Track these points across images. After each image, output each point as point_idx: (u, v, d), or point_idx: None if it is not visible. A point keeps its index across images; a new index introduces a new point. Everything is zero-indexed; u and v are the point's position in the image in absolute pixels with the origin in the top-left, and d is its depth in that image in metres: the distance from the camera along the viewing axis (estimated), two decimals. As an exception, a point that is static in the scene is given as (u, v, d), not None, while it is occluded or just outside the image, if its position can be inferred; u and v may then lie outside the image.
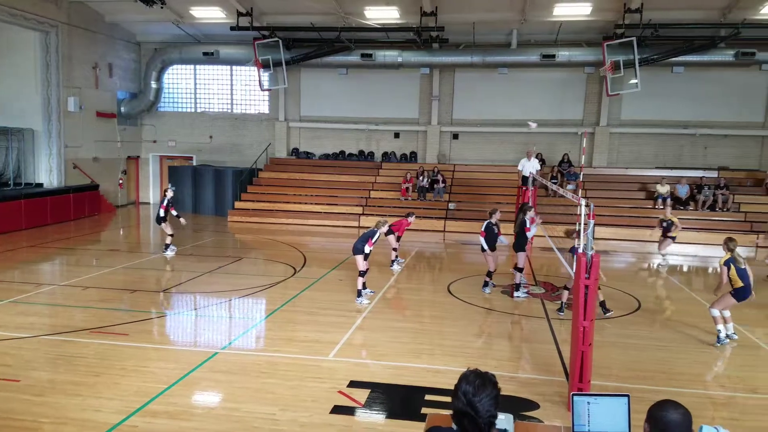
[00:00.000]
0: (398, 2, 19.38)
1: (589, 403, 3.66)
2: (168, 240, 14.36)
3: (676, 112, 21.99)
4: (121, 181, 23.95)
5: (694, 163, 22.04)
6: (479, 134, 23.49)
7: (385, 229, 10.94)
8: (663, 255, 14.80)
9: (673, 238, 14.59)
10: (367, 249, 10.29)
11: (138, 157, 25.41)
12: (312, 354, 7.65)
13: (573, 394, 3.74)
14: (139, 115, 24.93)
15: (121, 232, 19.35)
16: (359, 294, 10.33)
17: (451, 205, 20.86)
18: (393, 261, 13.52)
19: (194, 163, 24.96)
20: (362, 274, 10.36)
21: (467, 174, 22.69)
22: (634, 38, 18.39)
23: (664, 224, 14.55)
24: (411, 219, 13.84)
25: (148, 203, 25.40)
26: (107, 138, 23.07)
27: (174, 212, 14.30)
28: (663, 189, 19.95)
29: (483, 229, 11.02)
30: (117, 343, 7.81)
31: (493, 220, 11.05)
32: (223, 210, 22.11)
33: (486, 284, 11.29)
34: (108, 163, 23.15)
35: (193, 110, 25.42)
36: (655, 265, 14.90)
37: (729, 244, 8.45)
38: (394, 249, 13.56)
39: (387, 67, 22.28)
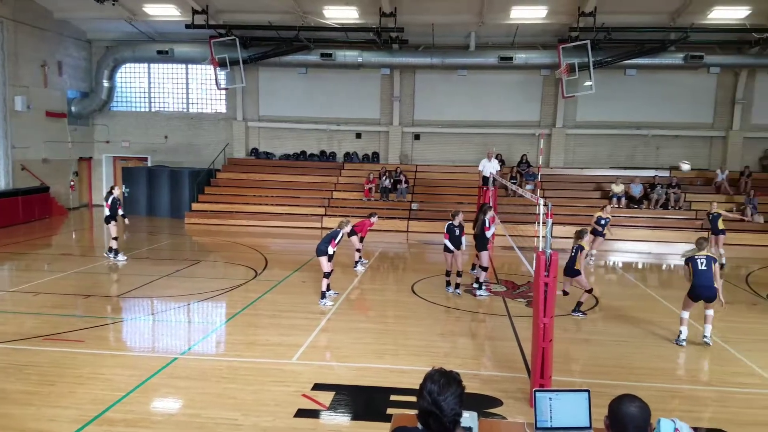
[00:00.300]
0: (357, 2, 19.36)
1: (550, 399, 3.73)
2: (113, 244, 13.77)
3: (629, 113, 22.62)
4: (72, 183, 23.21)
5: (647, 163, 22.71)
6: (440, 135, 23.67)
7: (347, 229, 10.93)
8: (593, 253, 15.19)
9: (604, 236, 14.91)
10: (330, 250, 10.27)
11: (90, 158, 24.66)
12: (274, 357, 7.56)
13: (535, 391, 3.80)
14: (90, 115, 24.20)
15: (74, 236, 18.76)
16: (323, 295, 10.28)
17: (414, 206, 20.95)
18: (356, 262, 13.48)
19: (149, 164, 24.39)
20: (326, 275, 10.32)
21: (429, 174, 22.84)
22: (588, 41, 18.85)
23: (603, 222, 14.73)
24: (374, 219, 13.85)
25: (102, 206, 24.66)
26: (57, 138, 22.31)
27: (120, 211, 13.72)
28: (618, 188, 20.49)
29: (446, 231, 11.09)
30: (72, 350, 7.56)
31: (456, 222, 11.10)
32: (180, 212, 21.66)
33: (448, 284, 11.36)
34: (59, 165, 22.39)
35: (147, 110, 24.84)
36: (591, 263, 15.04)
37: (696, 241, 8.57)
38: (358, 250, 13.53)
39: (347, 67, 22.23)
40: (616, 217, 19.55)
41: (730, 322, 9.58)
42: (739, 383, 7.09)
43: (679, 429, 3.16)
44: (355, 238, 13.21)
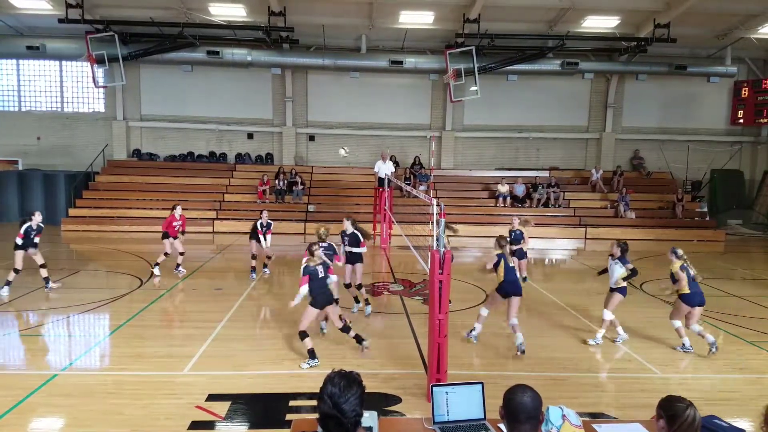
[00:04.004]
0: (245, 0, 18.91)
1: (447, 393, 3.81)
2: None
3: (512, 117, 23.84)
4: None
5: (529, 164, 24.03)
6: (335, 136, 23.69)
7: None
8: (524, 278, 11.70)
9: (524, 253, 11.91)
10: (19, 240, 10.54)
11: (-52, 161, 22.32)
12: (164, 370, 7.18)
13: (432, 386, 3.87)
14: (-53, 114, 21.91)
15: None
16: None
17: (311, 207, 20.77)
18: (178, 264, 12.79)
19: (20, 168, 22.44)
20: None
21: (325, 176, 22.78)
22: (473, 47, 19.64)
23: (513, 235, 11.76)
24: (177, 211, 12.76)
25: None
26: None
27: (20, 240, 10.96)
28: (503, 188, 21.50)
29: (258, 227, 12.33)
30: (-73, 375, 6.77)
31: (263, 221, 12.48)
32: (55, 218, 20.08)
33: (253, 270, 12.59)
34: None
35: (17, 109, 22.87)
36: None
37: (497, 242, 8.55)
38: (181, 253, 12.83)
39: (236, 65, 21.68)
40: (500, 216, 20.54)
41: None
42: (617, 369, 7.64)
43: (567, 415, 3.36)
44: (167, 242, 12.58)
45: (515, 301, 8.16)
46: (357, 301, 10.03)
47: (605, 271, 8.85)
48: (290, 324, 9.55)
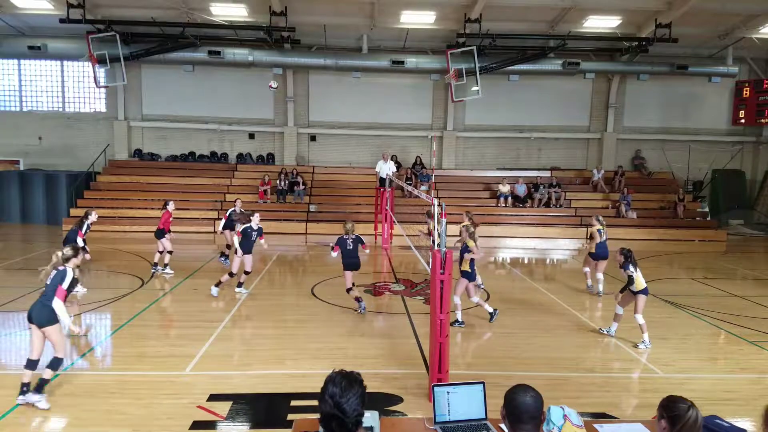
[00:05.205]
0: (246, 0, 18.92)
1: (448, 392, 3.81)
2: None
3: (513, 117, 23.80)
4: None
5: (530, 164, 24.00)
6: (337, 137, 23.68)
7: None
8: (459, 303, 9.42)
9: (471, 276, 9.25)
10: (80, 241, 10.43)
11: (-50, 161, 22.33)
12: (166, 369, 7.19)
13: (433, 385, 3.87)
14: (-51, 114, 21.92)
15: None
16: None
17: (312, 207, 20.76)
18: (166, 264, 12.69)
19: (21, 168, 22.45)
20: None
21: (327, 176, 22.75)
22: (474, 47, 19.63)
23: (457, 244, 9.53)
24: (170, 207, 12.91)
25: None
26: None
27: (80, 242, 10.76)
28: (504, 188, 21.47)
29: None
30: (-71, 375, 6.77)
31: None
32: (57, 218, 20.10)
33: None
34: None
35: (18, 109, 22.88)
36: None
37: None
38: (170, 252, 12.74)
39: (237, 65, 21.67)
40: (502, 216, 20.53)
41: (610, 311, 10.28)
42: (618, 369, 7.64)
43: (568, 415, 3.36)
44: (165, 241, 12.59)
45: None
46: (239, 285, 11.17)
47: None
48: (292, 323, 9.58)
